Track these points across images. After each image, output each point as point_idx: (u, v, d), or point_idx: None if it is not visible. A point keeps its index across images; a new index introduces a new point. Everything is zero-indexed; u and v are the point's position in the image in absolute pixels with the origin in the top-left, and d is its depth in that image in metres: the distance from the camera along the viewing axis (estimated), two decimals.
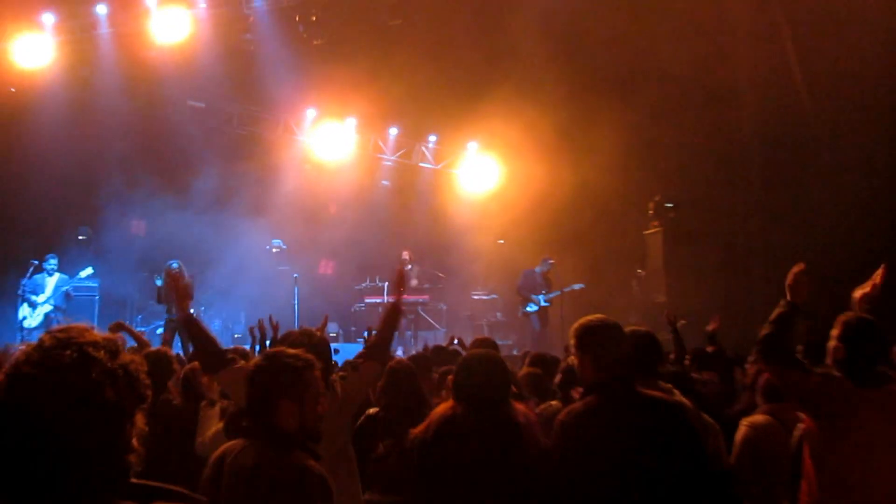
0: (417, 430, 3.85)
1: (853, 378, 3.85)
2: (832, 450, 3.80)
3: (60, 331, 1.79)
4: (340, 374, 4.65)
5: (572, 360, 4.24)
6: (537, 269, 14.96)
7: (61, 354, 1.71)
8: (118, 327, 7.10)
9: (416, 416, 4.41)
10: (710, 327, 7.93)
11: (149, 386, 1.85)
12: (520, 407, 3.91)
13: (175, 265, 12.96)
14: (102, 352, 1.76)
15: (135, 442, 1.79)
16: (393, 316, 4.87)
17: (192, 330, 4.52)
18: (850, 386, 3.83)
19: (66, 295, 14.05)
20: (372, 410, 4.99)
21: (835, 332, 4.03)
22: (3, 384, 1.70)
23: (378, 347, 4.69)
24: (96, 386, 1.71)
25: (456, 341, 8.29)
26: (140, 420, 1.81)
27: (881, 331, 3.97)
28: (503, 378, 3.86)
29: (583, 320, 3.84)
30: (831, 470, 3.80)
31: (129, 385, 1.78)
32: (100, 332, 1.84)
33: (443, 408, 3.83)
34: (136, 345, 6.69)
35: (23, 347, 1.77)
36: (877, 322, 4.03)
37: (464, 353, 6.89)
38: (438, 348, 7.92)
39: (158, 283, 13.08)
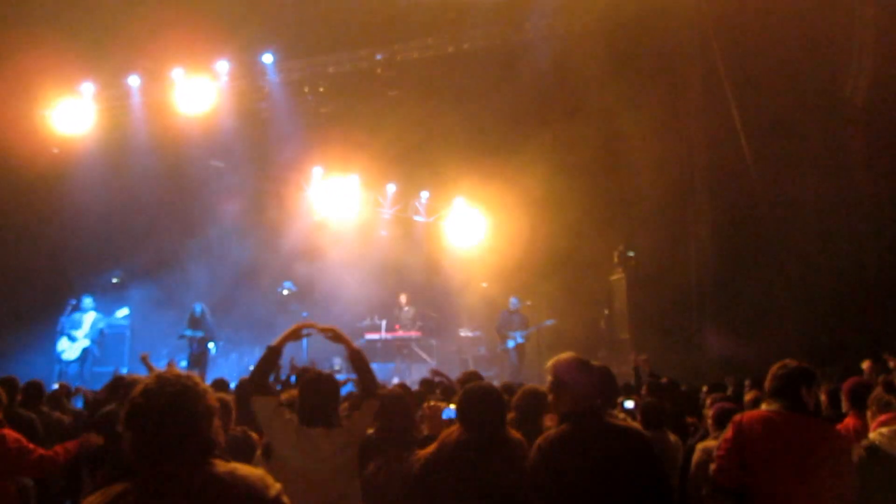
0: (427, 451, 3.94)
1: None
2: None
3: (170, 373, 2.41)
4: (344, 410, 4.52)
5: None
6: (510, 307, 15.10)
7: (177, 381, 2.36)
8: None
9: (405, 439, 4.47)
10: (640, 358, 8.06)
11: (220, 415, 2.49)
12: (513, 431, 4.01)
13: (198, 308, 13.12)
14: (202, 385, 2.42)
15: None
16: (356, 358, 4.66)
17: (271, 356, 4.47)
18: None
19: (101, 331, 14.06)
20: (368, 431, 5.02)
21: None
22: (140, 393, 2.33)
23: (367, 386, 4.59)
24: (200, 398, 2.37)
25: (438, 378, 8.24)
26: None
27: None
28: (500, 406, 3.98)
29: (557, 358, 3.87)
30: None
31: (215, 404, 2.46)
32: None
33: (451, 431, 3.93)
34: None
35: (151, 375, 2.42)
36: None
37: (446, 383, 6.96)
38: (424, 381, 7.99)
39: (198, 309, 13.28)
